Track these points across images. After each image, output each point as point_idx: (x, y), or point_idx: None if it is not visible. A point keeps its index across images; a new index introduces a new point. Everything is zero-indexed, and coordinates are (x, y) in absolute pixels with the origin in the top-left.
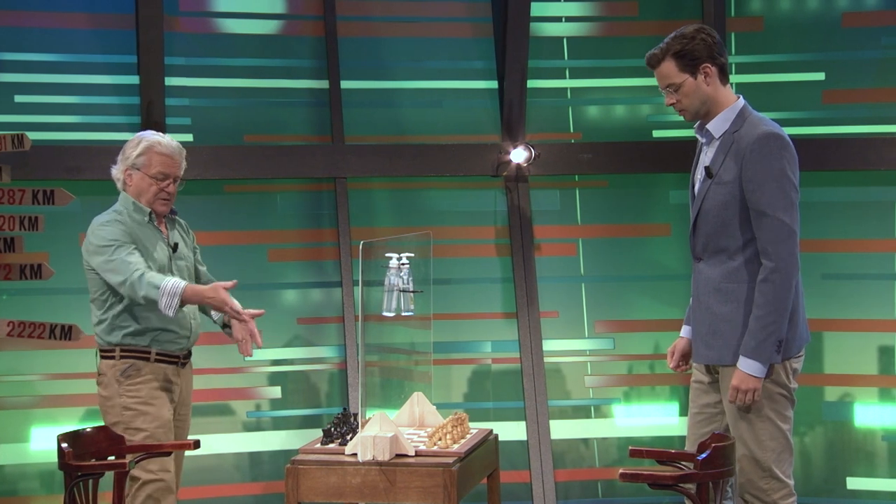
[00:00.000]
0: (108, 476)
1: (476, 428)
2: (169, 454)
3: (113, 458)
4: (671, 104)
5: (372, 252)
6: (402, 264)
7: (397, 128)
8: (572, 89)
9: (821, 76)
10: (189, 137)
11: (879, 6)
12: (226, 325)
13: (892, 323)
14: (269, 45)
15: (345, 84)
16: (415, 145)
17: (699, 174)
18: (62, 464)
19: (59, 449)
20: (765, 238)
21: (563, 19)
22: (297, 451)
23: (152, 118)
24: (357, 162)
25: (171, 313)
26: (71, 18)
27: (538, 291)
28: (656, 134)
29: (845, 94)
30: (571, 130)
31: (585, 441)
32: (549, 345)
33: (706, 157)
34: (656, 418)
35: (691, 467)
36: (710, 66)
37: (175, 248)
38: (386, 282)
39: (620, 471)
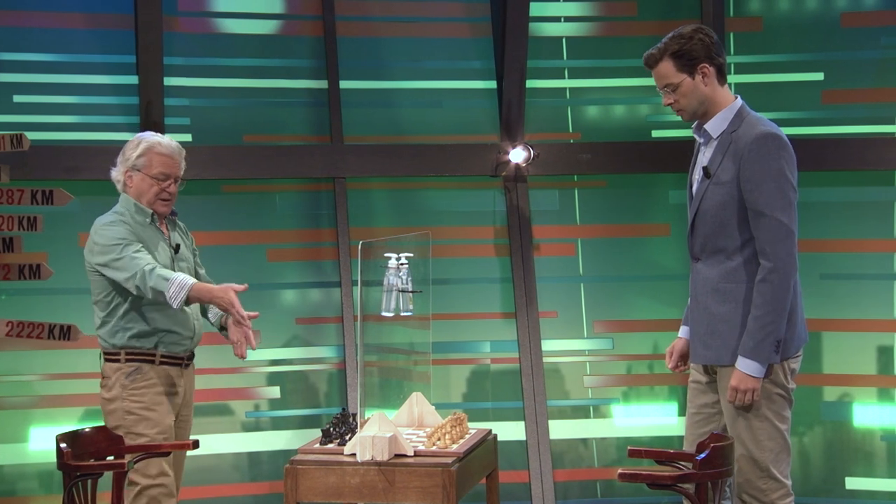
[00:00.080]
0: (107, 476)
1: (475, 428)
2: (167, 454)
3: (112, 458)
4: (669, 104)
5: (371, 252)
6: (401, 264)
7: (396, 128)
8: (571, 89)
9: (820, 76)
10: (188, 137)
11: (878, 6)
12: (223, 328)
13: (890, 323)
14: (268, 45)
15: (344, 84)
16: (414, 145)
17: (697, 174)
18: (61, 464)
19: (58, 449)
20: (763, 238)
21: (562, 19)
22: (295, 452)
23: (151, 118)
24: (356, 162)
25: (175, 304)
26: (70, 18)
27: (537, 291)
28: (655, 134)
29: (844, 95)
30: (570, 130)
31: (584, 441)
32: (547, 345)
33: (704, 157)
34: (655, 418)
35: (690, 467)
36: (707, 66)
37: (177, 249)
38: (385, 282)
39: (619, 471)
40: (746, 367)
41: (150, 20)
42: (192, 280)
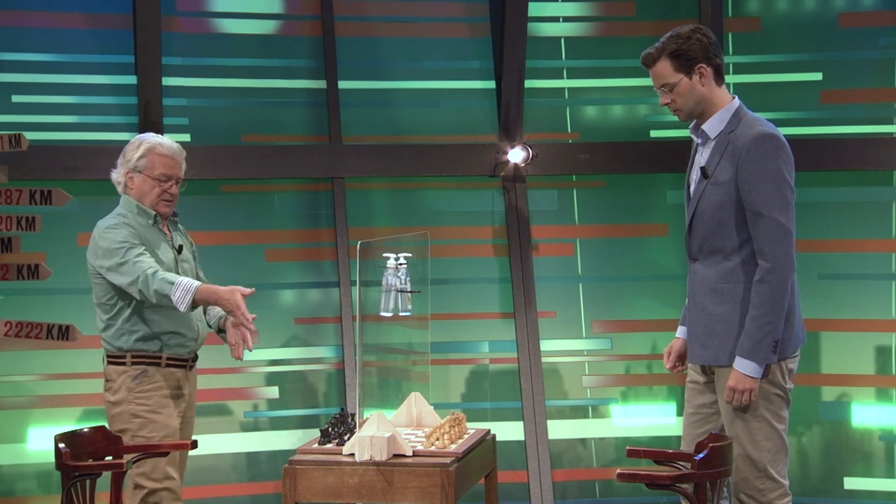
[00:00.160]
0: (106, 476)
1: (473, 428)
2: (166, 454)
3: (110, 458)
4: (665, 104)
5: (369, 252)
6: (400, 264)
7: (395, 128)
8: (570, 89)
9: (818, 76)
10: (186, 137)
11: (876, 6)
12: (220, 331)
13: (889, 323)
14: (267, 45)
15: (342, 84)
16: (412, 145)
17: (695, 175)
18: (59, 464)
19: (57, 449)
20: (761, 238)
21: (561, 19)
22: (294, 452)
23: (150, 118)
24: (355, 162)
25: (182, 308)
26: (68, 18)
27: (536, 291)
28: (654, 134)
29: (843, 95)
30: (569, 130)
31: (583, 441)
32: (546, 345)
33: (702, 157)
34: (654, 418)
35: (688, 467)
36: (705, 66)
37: (180, 250)
38: (383, 282)
39: (618, 471)
40: (744, 367)
41: (149, 20)
42: (196, 282)
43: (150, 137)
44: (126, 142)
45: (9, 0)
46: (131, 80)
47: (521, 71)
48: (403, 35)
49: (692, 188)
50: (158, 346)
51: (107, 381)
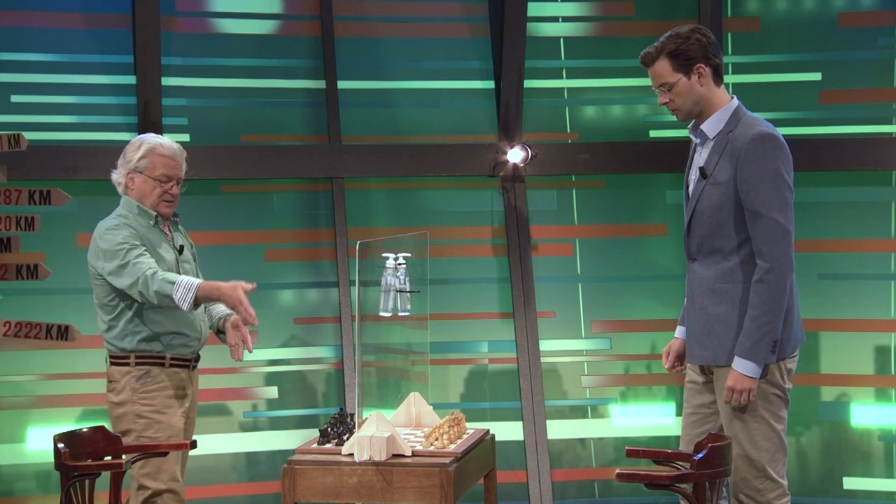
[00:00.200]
0: (105, 476)
1: (473, 428)
2: (165, 454)
3: (109, 458)
4: (664, 103)
5: (369, 252)
6: (399, 264)
7: (394, 128)
8: (569, 89)
9: (817, 76)
10: (186, 137)
11: (876, 6)
12: (220, 332)
13: (888, 323)
14: (266, 45)
15: (341, 84)
16: (412, 145)
17: (693, 175)
18: (58, 464)
19: (56, 449)
20: (760, 238)
21: (560, 19)
22: (293, 452)
23: (149, 118)
24: (354, 162)
25: (185, 307)
26: (67, 18)
27: (535, 291)
28: (653, 134)
29: (842, 95)
30: (568, 130)
31: (582, 441)
32: (545, 345)
33: (700, 157)
34: (653, 418)
35: (687, 467)
36: (704, 66)
37: (181, 250)
38: (383, 282)
39: (617, 471)
40: (743, 367)
41: (148, 20)
42: (197, 280)
43: (151, 138)
44: (126, 142)
45: (8, 0)
46: (130, 80)
47: (521, 71)
48: (403, 35)
49: (691, 188)
50: (161, 346)
51: (110, 381)
